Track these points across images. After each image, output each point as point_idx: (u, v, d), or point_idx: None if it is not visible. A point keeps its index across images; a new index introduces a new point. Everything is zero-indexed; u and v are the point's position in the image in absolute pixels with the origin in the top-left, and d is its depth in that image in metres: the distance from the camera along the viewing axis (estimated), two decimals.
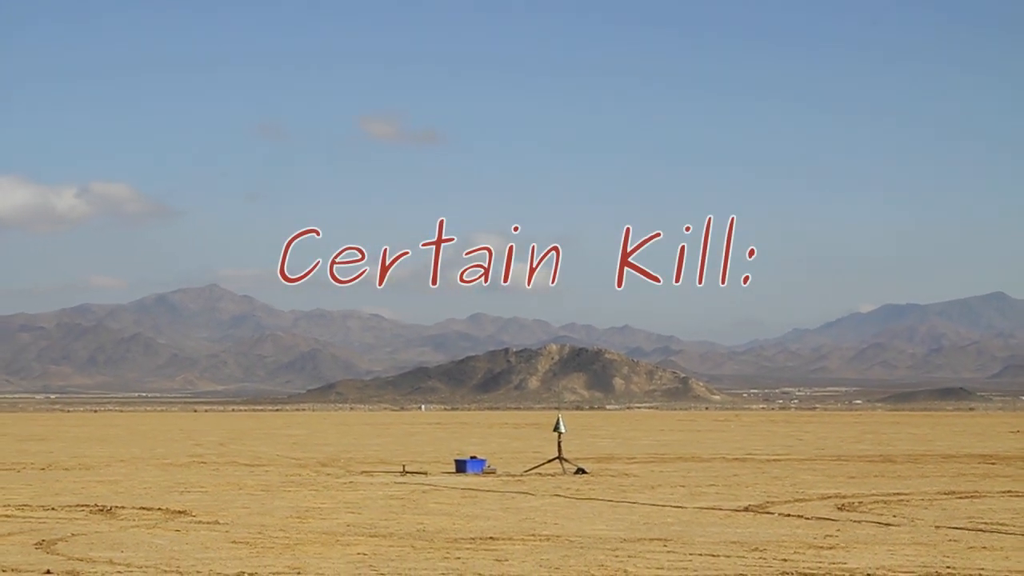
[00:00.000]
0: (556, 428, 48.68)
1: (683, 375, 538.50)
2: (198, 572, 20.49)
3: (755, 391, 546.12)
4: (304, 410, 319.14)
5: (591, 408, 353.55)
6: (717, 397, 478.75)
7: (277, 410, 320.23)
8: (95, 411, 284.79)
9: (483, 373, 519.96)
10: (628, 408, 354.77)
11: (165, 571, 20.62)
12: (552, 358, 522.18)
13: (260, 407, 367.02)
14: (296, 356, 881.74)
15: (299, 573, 20.39)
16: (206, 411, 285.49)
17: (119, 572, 20.47)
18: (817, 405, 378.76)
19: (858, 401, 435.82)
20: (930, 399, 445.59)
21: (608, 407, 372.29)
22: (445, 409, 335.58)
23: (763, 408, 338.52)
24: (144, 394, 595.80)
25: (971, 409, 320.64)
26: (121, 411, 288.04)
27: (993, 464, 53.47)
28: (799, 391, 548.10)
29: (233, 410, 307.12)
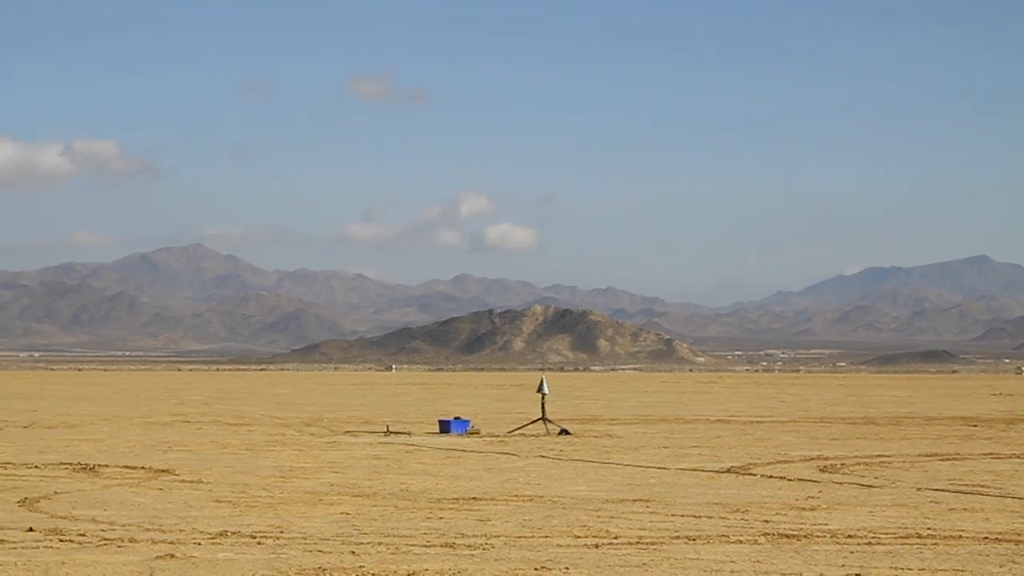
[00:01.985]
0: (540, 389, 48.75)
1: (667, 337, 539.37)
2: (180, 531, 20.50)
3: (739, 353, 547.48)
4: (288, 370, 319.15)
5: (575, 369, 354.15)
6: (701, 359, 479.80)
7: (261, 370, 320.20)
8: (79, 370, 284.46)
9: (467, 334, 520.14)
10: (612, 370, 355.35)
11: (148, 529, 20.62)
12: (536, 319, 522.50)
13: (244, 367, 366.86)
14: (280, 316, 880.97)
15: (282, 532, 20.41)
16: (190, 370, 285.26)
17: (102, 530, 20.47)
18: (801, 367, 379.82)
19: (841, 363, 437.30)
20: (913, 361, 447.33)
21: (592, 368, 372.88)
22: (428, 370, 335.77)
23: (747, 370, 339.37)
24: (128, 353, 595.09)
25: (954, 371, 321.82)
26: (105, 370, 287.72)
27: (975, 426, 53.71)
28: (783, 353, 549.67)
29: (217, 369, 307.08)
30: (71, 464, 33.20)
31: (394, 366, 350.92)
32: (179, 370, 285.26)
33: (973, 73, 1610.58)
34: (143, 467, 32.47)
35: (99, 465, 32.90)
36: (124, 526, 21.06)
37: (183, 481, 28.97)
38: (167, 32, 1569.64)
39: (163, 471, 31.36)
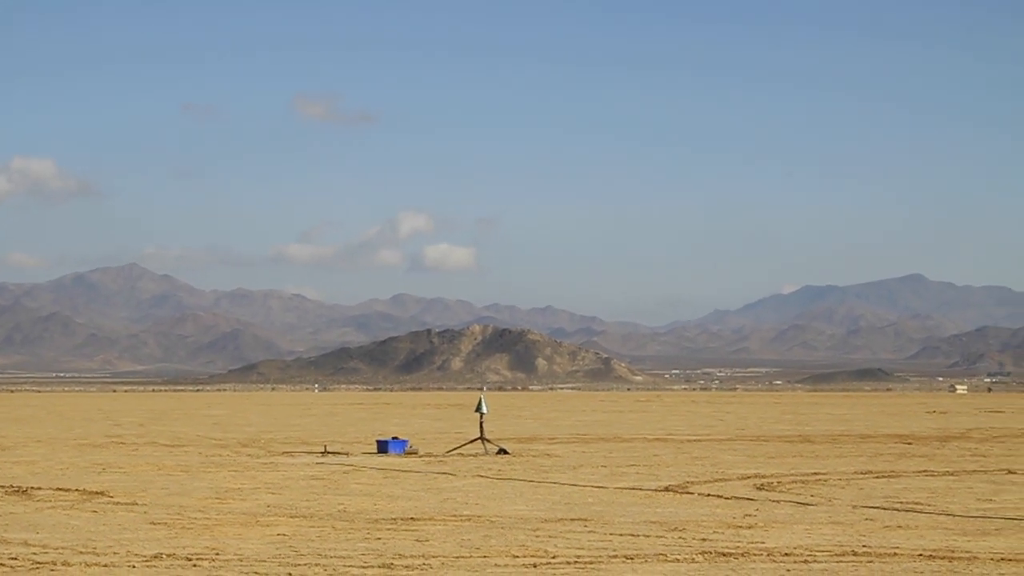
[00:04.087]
0: (478, 409, 48.70)
1: (605, 356, 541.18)
2: (115, 553, 20.27)
3: (677, 372, 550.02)
4: (225, 390, 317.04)
5: (514, 389, 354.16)
6: (639, 378, 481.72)
7: (198, 390, 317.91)
8: (11, 391, 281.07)
9: (406, 354, 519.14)
10: (551, 389, 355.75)
11: (81, 552, 20.38)
12: (475, 339, 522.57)
13: (181, 387, 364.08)
14: (217, 336, 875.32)
15: (218, 554, 20.23)
16: (125, 391, 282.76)
17: (34, 554, 20.20)
18: (738, 386, 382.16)
19: (778, 382, 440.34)
20: (849, 380, 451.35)
21: (531, 388, 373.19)
22: (367, 390, 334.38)
23: (684, 389, 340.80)
24: (62, 374, 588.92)
25: (888, 389, 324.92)
26: (38, 391, 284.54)
27: (909, 444, 54.20)
28: (720, 372, 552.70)
29: (153, 390, 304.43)
30: (3, 487, 32.76)
31: (316, 386, 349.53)
32: (114, 391, 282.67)
33: (910, 91, 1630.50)
34: (77, 489, 32.09)
35: (32, 488, 32.49)
36: (57, 549, 20.81)
37: (118, 503, 28.66)
38: (109, 53, 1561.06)
39: (97, 493, 31.01)
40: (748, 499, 29.46)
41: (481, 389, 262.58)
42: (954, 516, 26.08)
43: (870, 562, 19.45)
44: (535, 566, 19.00)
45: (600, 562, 19.38)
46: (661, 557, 19.89)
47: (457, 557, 19.92)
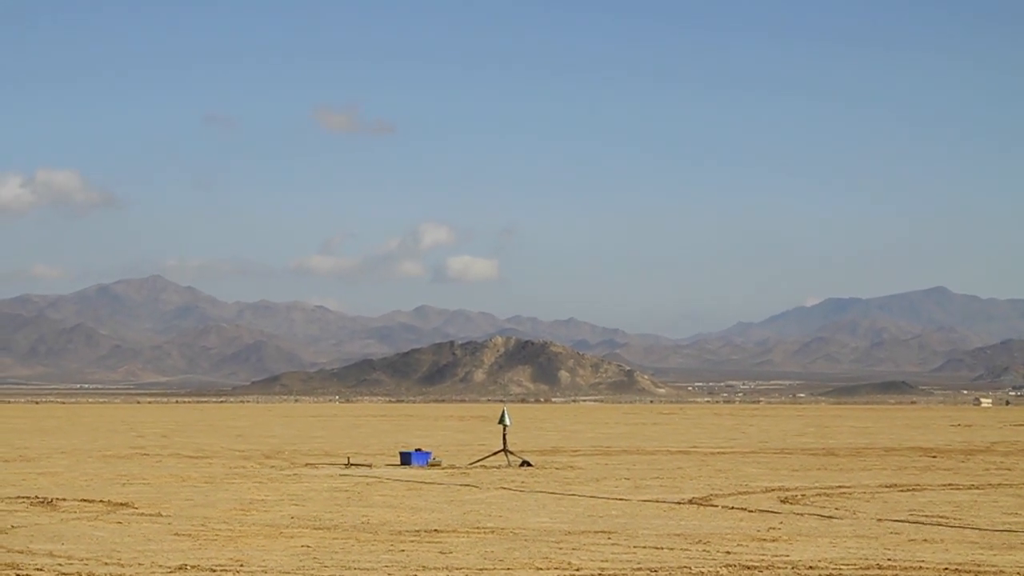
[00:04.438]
0: (501, 421, 48.68)
1: (628, 368, 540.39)
2: (140, 564, 20.32)
3: (699, 384, 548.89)
4: (248, 402, 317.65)
5: (536, 401, 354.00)
6: (662, 390, 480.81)
7: (221, 402, 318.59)
8: (36, 403, 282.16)
9: (428, 365, 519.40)
10: (573, 401, 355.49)
11: (106, 563, 20.44)
12: (497, 351, 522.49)
13: (204, 399, 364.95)
14: (240, 348, 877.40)
15: (242, 566, 20.26)
16: (149, 403, 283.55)
17: (59, 565, 20.27)
18: (761, 398, 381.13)
19: (801, 394, 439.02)
20: (872, 392, 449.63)
21: (553, 400, 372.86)
22: (389, 401, 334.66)
23: (707, 401, 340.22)
24: (86, 385, 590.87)
25: (912, 402, 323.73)
26: (62, 403, 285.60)
27: (934, 457, 53.97)
28: (743, 384, 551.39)
29: (176, 402, 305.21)
30: (28, 498, 32.88)
31: (336, 398, 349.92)
32: (138, 402, 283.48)
33: (934, 105, 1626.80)
34: (101, 500, 32.19)
35: (57, 499, 32.60)
36: (82, 560, 20.87)
37: (142, 514, 28.74)
38: (131, 64, 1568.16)
39: (122, 504, 31.10)
40: (772, 512, 29.37)
41: (503, 401, 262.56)
42: (980, 530, 25.95)
43: (895, 575, 19.37)
44: None
45: (624, 575, 19.34)
46: (685, 570, 19.84)
47: (480, 569, 19.90)
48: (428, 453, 48.06)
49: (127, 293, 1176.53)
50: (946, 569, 20.05)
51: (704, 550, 22.28)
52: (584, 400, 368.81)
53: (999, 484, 38.63)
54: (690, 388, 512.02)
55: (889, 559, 21.21)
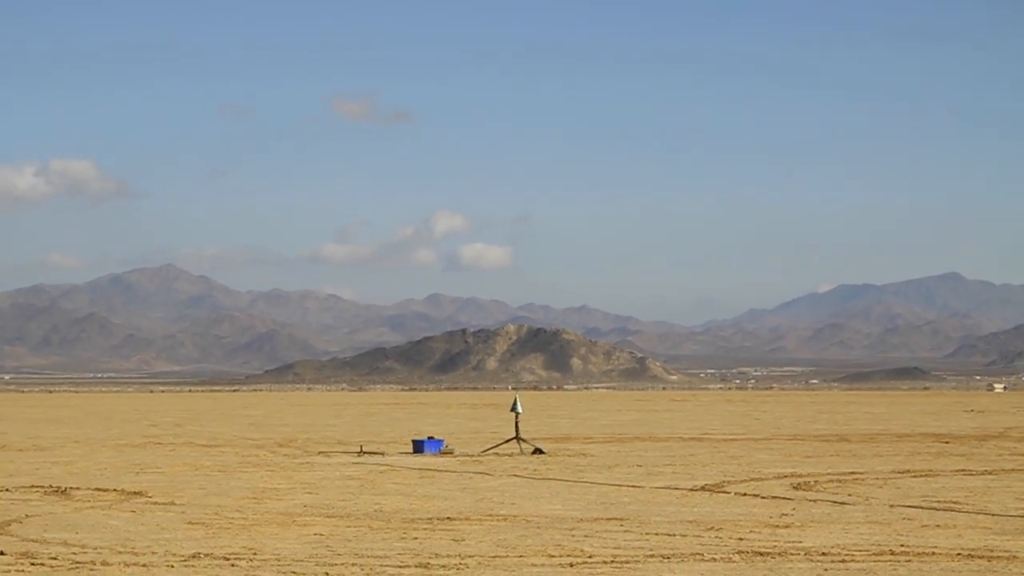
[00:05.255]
0: (513, 408, 48.71)
1: (641, 355, 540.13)
2: (153, 553, 20.38)
3: (712, 371, 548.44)
4: (261, 391, 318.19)
5: (549, 388, 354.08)
6: (674, 377, 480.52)
7: (234, 391, 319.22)
8: (50, 392, 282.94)
9: (441, 354, 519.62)
10: (586, 388, 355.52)
11: (120, 552, 20.50)
12: (510, 338, 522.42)
13: (217, 388, 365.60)
14: (254, 337, 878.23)
15: (255, 554, 20.31)
16: (162, 391, 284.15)
17: (74, 553, 20.34)
18: (774, 385, 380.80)
19: (814, 381, 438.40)
20: (885, 379, 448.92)
21: (566, 387, 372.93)
22: (402, 390, 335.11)
23: (720, 388, 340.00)
24: (99, 375, 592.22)
25: (926, 388, 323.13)
26: (76, 392, 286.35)
27: (947, 443, 53.90)
28: (756, 371, 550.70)
29: (190, 391, 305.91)
30: (42, 487, 32.99)
31: (344, 387, 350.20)
32: (151, 391, 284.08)
33: (947, 92, 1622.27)
34: (115, 489, 32.28)
35: (70, 488, 32.70)
36: (96, 549, 20.94)
37: (155, 503, 28.82)
38: (147, 53, 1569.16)
39: (135, 493, 31.18)
40: (785, 498, 29.36)
41: (513, 389, 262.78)
42: (993, 515, 25.92)
43: (908, 561, 19.35)
44: (572, 566, 19.00)
45: (637, 561, 19.35)
46: (698, 556, 19.85)
47: (493, 556, 19.93)
48: (441, 441, 48.12)
49: (140, 282, 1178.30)
50: (959, 555, 20.03)
51: (717, 536, 22.29)
52: (596, 387, 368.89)
53: (1012, 470, 38.57)
54: (703, 375, 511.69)
55: (902, 545, 21.20)
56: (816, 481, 33.98)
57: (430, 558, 19.75)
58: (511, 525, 24.28)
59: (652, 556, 19.89)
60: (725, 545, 21.17)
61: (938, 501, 28.76)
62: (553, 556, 19.97)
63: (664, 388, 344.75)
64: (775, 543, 21.40)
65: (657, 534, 22.67)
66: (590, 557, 19.83)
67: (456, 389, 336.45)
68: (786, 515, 25.79)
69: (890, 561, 19.38)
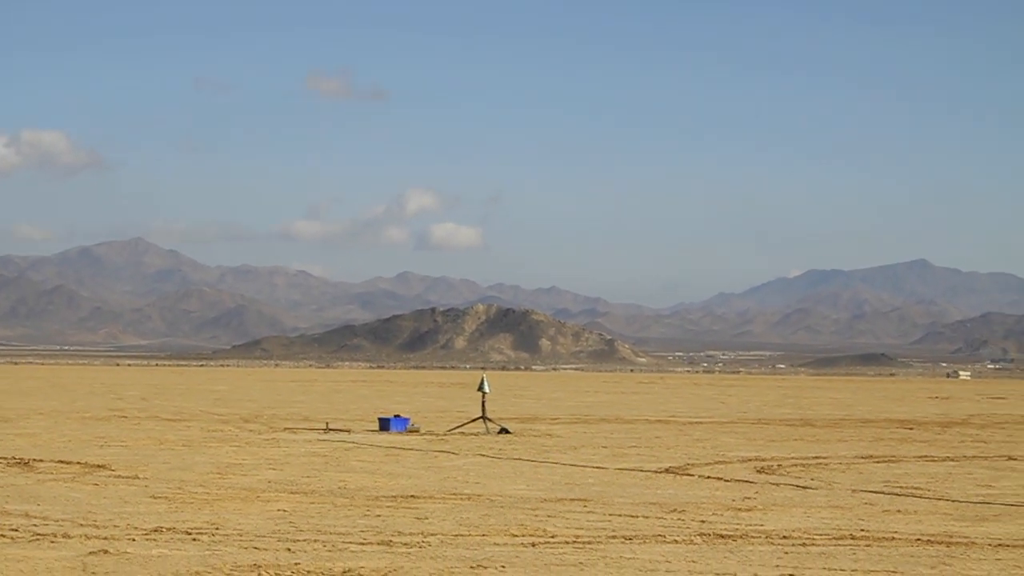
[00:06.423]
0: (480, 388, 48.73)
1: (609, 337, 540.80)
2: (115, 526, 20.34)
3: (680, 354, 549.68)
4: (229, 366, 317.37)
5: (517, 369, 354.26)
6: (643, 359, 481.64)
7: (201, 365, 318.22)
8: (15, 363, 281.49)
9: (409, 332, 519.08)
10: (554, 369, 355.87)
11: (82, 525, 20.45)
12: (479, 318, 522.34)
13: (184, 362, 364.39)
14: (222, 312, 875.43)
15: (217, 529, 20.30)
16: (129, 365, 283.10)
17: (35, 525, 20.27)
18: (741, 369, 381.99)
19: (781, 365, 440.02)
20: (852, 364, 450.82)
21: (534, 368, 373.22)
22: (370, 367, 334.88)
23: (688, 371, 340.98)
24: (66, 347, 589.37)
25: (892, 375, 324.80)
26: (42, 364, 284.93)
27: (911, 429, 54.23)
28: (723, 355, 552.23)
29: (156, 365, 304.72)
30: (5, 458, 32.85)
31: (312, 364, 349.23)
32: (118, 365, 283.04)
33: (917, 77, 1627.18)
34: (78, 462, 32.18)
35: (34, 460, 32.58)
36: (58, 521, 20.88)
37: (119, 477, 28.74)
38: (123, 26, 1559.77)
39: (99, 466, 31.09)
40: (748, 482, 29.50)
41: (483, 368, 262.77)
42: (953, 501, 26.12)
43: (868, 546, 19.48)
44: (534, 545, 19.05)
45: (599, 542, 19.42)
46: (659, 538, 19.93)
47: (456, 535, 19.97)
48: (407, 419, 48.12)
49: (109, 255, 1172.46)
50: (919, 540, 20.18)
51: (679, 519, 22.39)
52: (564, 368, 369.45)
53: (974, 456, 38.85)
54: (671, 358, 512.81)
55: (863, 529, 21.33)
56: (780, 465, 34.15)
57: (393, 535, 19.77)
58: (475, 504, 24.33)
59: (614, 537, 19.96)
60: (687, 527, 21.27)
61: (900, 487, 28.95)
62: (516, 536, 20.02)
63: (632, 370, 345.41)
64: (737, 526, 21.51)
65: (620, 515, 22.75)
66: (552, 537, 19.89)
67: (424, 368, 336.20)
68: (749, 498, 25.92)
69: (850, 545, 19.51)
